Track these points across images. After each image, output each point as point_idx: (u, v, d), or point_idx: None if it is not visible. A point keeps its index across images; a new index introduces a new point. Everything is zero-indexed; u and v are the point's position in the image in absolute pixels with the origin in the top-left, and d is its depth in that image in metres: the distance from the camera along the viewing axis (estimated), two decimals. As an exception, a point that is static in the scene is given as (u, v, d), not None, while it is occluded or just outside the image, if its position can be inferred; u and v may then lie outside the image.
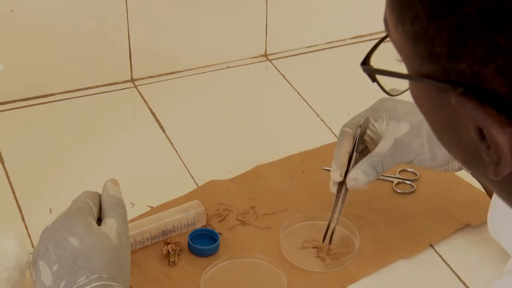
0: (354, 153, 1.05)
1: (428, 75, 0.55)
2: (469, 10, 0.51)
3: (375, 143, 1.06)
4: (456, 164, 1.05)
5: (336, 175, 1.04)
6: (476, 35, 0.51)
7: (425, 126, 1.02)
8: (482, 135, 0.54)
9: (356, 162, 1.04)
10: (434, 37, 0.53)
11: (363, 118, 1.06)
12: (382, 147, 1.03)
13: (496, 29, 0.51)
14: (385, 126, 1.05)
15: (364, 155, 1.04)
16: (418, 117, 1.02)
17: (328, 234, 1.07)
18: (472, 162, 0.59)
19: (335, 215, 1.06)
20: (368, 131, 1.06)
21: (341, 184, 1.05)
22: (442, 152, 1.03)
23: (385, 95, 0.66)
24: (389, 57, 0.61)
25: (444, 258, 1.08)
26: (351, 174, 1.03)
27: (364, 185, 1.03)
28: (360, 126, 1.06)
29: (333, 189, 1.06)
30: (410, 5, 0.54)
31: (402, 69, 0.58)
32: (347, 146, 1.05)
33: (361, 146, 1.06)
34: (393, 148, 1.03)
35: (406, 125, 1.03)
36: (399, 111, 1.05)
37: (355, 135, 1.06)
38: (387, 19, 0.58)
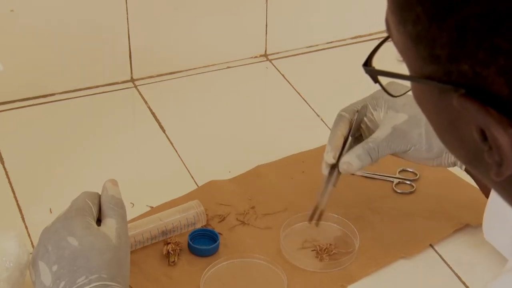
0: (350, 138, 1.05)
1: (430, 76, 0.55)
2: (469, 12, 0.51)
3: (371, 131, 1.07)
4: (449, 159, 1.05)
5: (329, 157, 1.05)
6: (476, 36, 0.51)
7: (423, 118, 1.02)
8: (484, 136, 0.54)
9: (350, 147, 1.04)
10: (435, 38, 0.53)
11: (361, 105, 1.07)
12: (379, 134, 1.04)
13: (496, 30, 0.51)
14: (383, 115, 1.06)
15: (359, 142, 1.05)
16: (416, 109, 1.02)
17: (315, 216, 1.06)
18: (474, 162, 0.59)
19: (324, 199, 1.05)
20: (365, 119, 1.06)
21: (333, 167, 1.05)
22: (437, 144, 1.03)
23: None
24: (390, 57, 0.61)
25: (444, 258, 1.08)
26: (344, 158, 1.03)
27: (357, 170, 1.04)
28: (357, 111, 1.06)
29: (325, 171, 1.06)
30: (411, 6, 0.54)
31: (404, 69, 0.58)
32: (343, 130, 1.05)
33: (357, 133, 1.06)
34: (390, 135, 1.03)
35: (404, 115, 1.04)
36: (398, 102, 1.05)
37: (351, 120, 1.06)
38: (389, 20, 0.58)
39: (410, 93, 0.65)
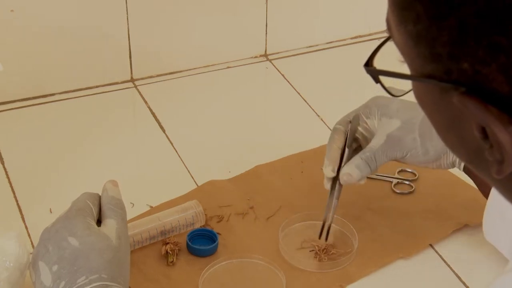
0: (346, 149, 1.05)
1: (430, 75, 0.56)
2: (469, 10, 0.51)
3: (367, 140, 1.07)
4: (448, 160, 1.05)
5: (328, 171, 1.05)
6: (476, 34, 0.51)
7: (417, 122, 1.04)
8: (485, 134, 0.55)
9: (348, 158, 1.05)
10: (435, 37, 0.53)
11: (354, 115, 1.07)
12: (375, 143, 1.05)
13: (496, 28, 0.51)
14: (377, 122, 1.07)
15: (357, 152, 1.05)
16: (409, 113, 1.04)
17: (324, 232, 1.06)
18: (475, 161, 0.59)
19: (330, 213, 1.06)
20: (360, 128, 1.07)
21: (335, 180, 1.06)
22: (433, 147, 1.04)
23: (385, 94, 0.66)
24: (391, 57, 0.61)
25: (444, 258, 1.08)
26: (344, 169, 1.04)
27: (358, 181, 1.04)
28: (350, 122, 1.07)
29: (327, 185, 1.06)
30: (411, 6, 0.54)
31: (405, 69, 0.59)
32: (338, 142, 1.06)
33: (354, 144, 1.07)
34: (385, 143, 1.04)
35: (397, 121, 1.05)
36: (391, 108, 1.06)
37: (346, 131, 1.07)
38: (389, 20, 0.58)
39: (406, 96, 0.65)
